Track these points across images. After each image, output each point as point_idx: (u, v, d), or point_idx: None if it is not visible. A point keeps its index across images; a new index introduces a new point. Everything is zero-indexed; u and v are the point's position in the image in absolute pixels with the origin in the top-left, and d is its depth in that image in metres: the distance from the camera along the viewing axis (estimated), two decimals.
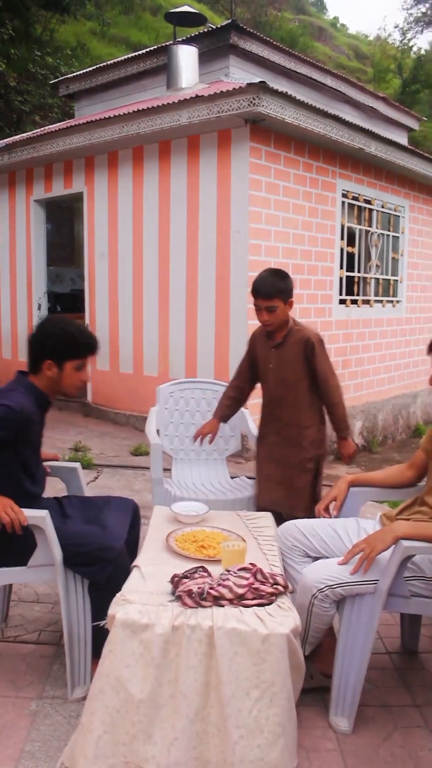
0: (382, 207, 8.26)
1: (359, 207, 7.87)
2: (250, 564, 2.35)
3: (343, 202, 7.51)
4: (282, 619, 2.14)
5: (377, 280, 8.36)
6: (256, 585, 2.25)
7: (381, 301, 8.45)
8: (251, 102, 5.66)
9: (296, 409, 3.39)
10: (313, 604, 2.39)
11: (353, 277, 7.91)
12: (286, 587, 2.29)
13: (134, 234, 7.20)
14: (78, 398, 8.21)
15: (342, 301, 7.67)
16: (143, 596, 2.22)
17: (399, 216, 8.66)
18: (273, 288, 3.20)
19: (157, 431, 3.80)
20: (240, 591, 2.21)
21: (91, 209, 7.65)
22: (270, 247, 6.49)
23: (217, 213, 6.42)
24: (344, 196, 7.52)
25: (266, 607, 2.20)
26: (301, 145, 6.77)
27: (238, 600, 2.20)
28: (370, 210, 8.07)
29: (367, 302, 8.15)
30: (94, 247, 7.69)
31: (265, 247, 6.43)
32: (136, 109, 6.49)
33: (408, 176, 8.53)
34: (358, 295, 8.00)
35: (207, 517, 2.97)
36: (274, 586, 2.26)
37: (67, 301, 9.96)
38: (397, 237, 8.68)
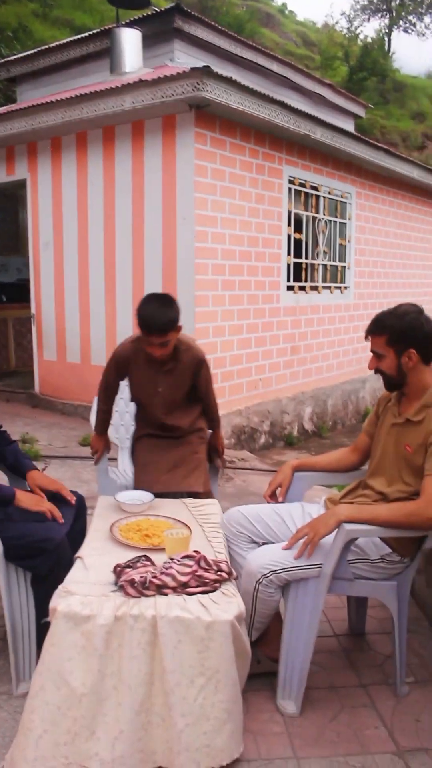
0: (329, 193, 8.30)
1: (306, 193, 7.89)
2: (194, 551, 2.33)
3: (290, 189, 7.52)
4: (226, 605, 2.13)
5: (325, 266, 8.40)
6: (200, 572, 2.23)
7: (329, 288, 8.50)
8: (195, 87, 5.60)
9: (184, 424, 3.35)
10: (257, 590, 2.39)
11: (301, 263, 7.94)
12: (230, 574, 2.28)
13: (79, 221, 7.08)
14: (25, 389, 8.07)
15: (290, 288, 7.69)
16: (85, 587, 2.18)
17: (346, 202, 8.72)
18: (167, 321, 2.94)
19: None
20: (183, 579, 2.19)
21: (34, 196, 7.49)
22: (217, 233, 6.46)
23: (163, 199, 6.36)
24: (291, 182, 7.53)
25: (210, 594, 2.18)
26: (247, 131, 6.74)
27: (182, 588, 2.18)
28: (317, 196, 8.10)
29: (315, 288, 8.20)
30: (38, 236, 7.54)
31: (211, 234, 6.39)
32: (79, 94, 6.36)
33: (355, 163, 8.58)
34: (306, 281, 8.04)
35: (152, 506, 2.94)
36: (218, 573, 2.25)
37: (12, 291, 9.75)
38: (344, 223, 8.74)
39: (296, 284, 7.81)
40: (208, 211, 6.33)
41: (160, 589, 2.15)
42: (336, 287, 8.67)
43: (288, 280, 7.64)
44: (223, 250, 6.56)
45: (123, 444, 3.82)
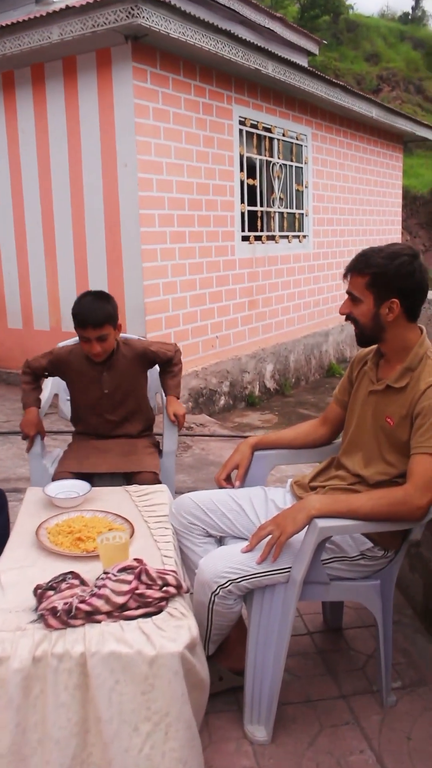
0: (284, 135, 7.75)
1: (259, 135, 7.33)
2: (135, 560, 1.90)
3: (241, 131, 6.95)
4: (174, 632, 1.71)
5: (281, 214, 7.90)
6: (141, 590, 1.80)
7: (287, 237, 8.01)
8: (129, 13, 4.98)
9: (133, 431, 3.04)
10: (213, 602, 1.97)
11: (256, 211, 7.42)
12: (179, 588, 1.85)
13: (11, 173, 6.44)
14: None
15: (245, 238, 7.19)
16: None
17: (302, 145, 8.18)
18: (102, 313, 2.76)
19: (56, 397, 3.30)
20: (119, 600, 1.75)
21: None
22: (162, 180, 5.90)
23: (101, 145, 5.76)
24: (242, 123, 6.96)
25: (154, 617, 1.76)
26: (192, 66, 6.14)
27: (119, 611, 1.75)
28: (271, 139, 7.54)
29: (272, 238, 7.70)
30: None
31: (156, 181, 5.83)
32: None
33: (310, 102, 8.02)
34: (261, 231, 7.53)
35: (89, 497, 2.49)
36: (164, 588, 1.82)
37: None
38: (301, 167, 8.21)
39: (252, 234, 7.30)
40: (151, 156, 5.76)
41: (91, 616, 1.72)
42: (294, 236, 8.18)
43: (243, 230, 7.13)
44: (170, 198, 6.01)
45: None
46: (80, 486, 2.53)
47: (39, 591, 1.79)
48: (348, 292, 2.07)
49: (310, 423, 2.48)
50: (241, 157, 7.01)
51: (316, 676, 2.39)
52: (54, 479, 2.78)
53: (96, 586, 1.79)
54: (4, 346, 6.97)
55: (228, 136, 6.75)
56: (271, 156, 7.59)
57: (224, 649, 2.23)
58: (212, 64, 6.28)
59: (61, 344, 3.40)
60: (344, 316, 2.10)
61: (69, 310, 6.56)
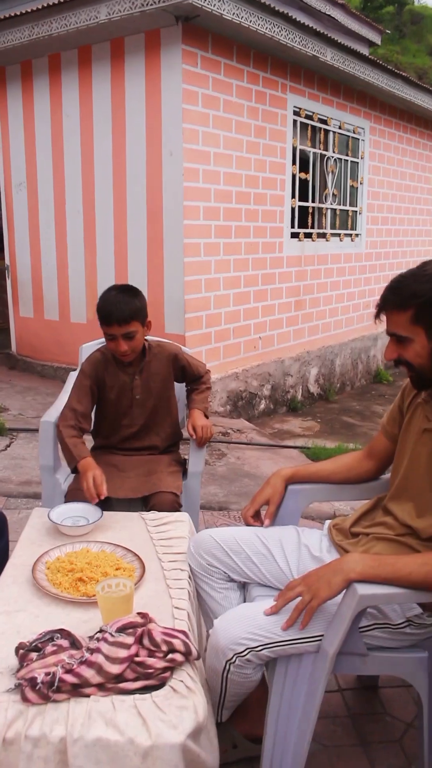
0: (340, 128, 7.36)
1: (313, 127, 6.95)
2: (139, 615, 1.61)
3: (295, 121, 6.59)
4: (176, 714, 1.41)
5: (334, 211, 7.51)
6: (141, 657, 1.51)
7: (338, 235, 7.62)
8: None
9: (158, 442, 2.77)
10: (228, 671, 1.67)
11: (307, 207, 7.06)
12: (188, 655, 1.56)
13: (54, 159, 6.21)
14: (1, 349, 7.33)
15: (294, 235, 6.83)
16: None
17: (358, 138, 7.77)
18: (129, 309, 2.53)
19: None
20: (114, 669, 1.47)
21: (4, 131, 6.60)
22: (209, 171, 5.59)
23: (147, 132, 5.48)
24: (296, 114, 6.60)
25: (154, 692, 1.47)
26: (245, 50, 5.81)
27: (113, 682, 1.47)
28: (326, 131, 7.16)
29: (322, 236, 7.33)
30: (10, 177, 6.67)
31: (203, 172, 5.53)
32: (46, 4, 5.42)
33: (369, 93, 7.60)
34: (312, 227, 7.16)
35: (100, 525, 2.21)
36: (168, 655, 1.53)
37: None
38: (356, 162, 7.80)
39: (301, 231, 6.94)
40: (198, 145, 5.45)
41: (79, 689, 1.44)
42: (346, 234, 7.78)
43: (292, 227, 6.77)
44: (216, 190, 5.70)
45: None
46: (91, 512, 2.26)
47: (21, 651, 1.52)
48: (390, 333, 1.69)
49: (353, 455, 2.15)
50: (294, 149, 6.65)
51: (345, 747, 2.07)
52: (67, 497, 2.51)
53: (88, 650, 1.50)
54: (40, 337, 6.77)
55: (281, 127, 6.40)
56: (326, 149, 7.21)
57: (240, 711, 1.93)
58: (267, 50, 5.93)
59: (86, 348, 3.14)
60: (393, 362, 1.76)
61: None
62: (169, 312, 5.54)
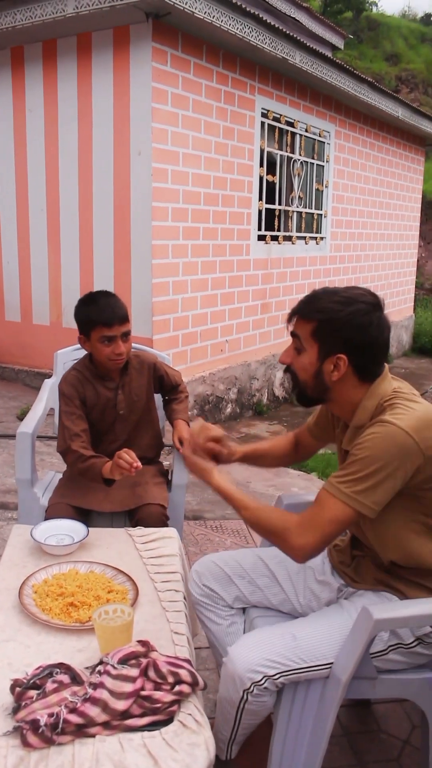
0: (306, 131, 7.34)
1: (281, 129, 6.91)
2: (140, 643, 1.52)
3: (263, 123, 6.54)
4: (188, 752, 1.33)
5: (300, 214, 7.49)
6: (147, 691, 1.42)
7: (303, 238, 7.61)
8: None
9: (144, 447, 2.65)
10: (245, 701, 1.58)
11: (273, 210, 7.02)
12: (194, 686, 1.47)
13: (17, 156, 6.03)
14: None
15: (261, 237, 6.78)
16: None
17: (324, 142, 7.76)
18: (124, 307, 2.51)
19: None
20: (120, 705, 1.37)
21: None
22: (178, 172, 5.50)
23: (114, 130, 5.35)
24: (264, 116, 6.55)
25: (163, 728, 1.37)
26: (215, 50, 5.73)
27: (119, 719, 1.37)
28: (293, 134, 7.13)
29: (288, 239, 7.30)
30: None
31: (172, 173, 5.43)
32: None
33: (335, 97, 7.60)
34: (278, 230, 7.13)
35: (86, 543, 2.10)
36: (176, 687, 1.44)
37: None
38: (322, 166, 7.80)
39: (268, 233, 6.89)
40: (167, 145, 5.35)
41: (84, 729, 1.34)
42: (311, 237, 7.77)
43: (259, 229, 6.73)
44: (185, 191, 5.61)
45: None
46: (75, 529, 2.15)
47: (17, 689, 1.41)
48: (292, 334, 1.68)
49: (286, 439, 2.10)
50: (262, 151, 6.61)
51: None
52: (47, 512, 2.39)
53: (90, 685, 1.40)
54: (0, 340, 6.57)
55: (249, 129, 6.34)
56: (293, 152, 7.18)
57: (243, 748, 1.84)
58: (237, 51, 5.87)
59: (61, 354, 3.01)
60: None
61: (71, 304, 6.07)
62: (137, 314, 5.41)
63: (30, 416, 2.68)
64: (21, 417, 5.41)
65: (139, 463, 2.17)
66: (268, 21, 5.70)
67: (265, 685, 1.54)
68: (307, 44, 6.30)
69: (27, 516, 2.51)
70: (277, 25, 5.84)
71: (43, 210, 5.95)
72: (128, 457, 2.16)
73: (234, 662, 1.56)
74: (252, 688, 1.54)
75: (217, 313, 6.24)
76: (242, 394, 6.69)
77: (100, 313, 2.41)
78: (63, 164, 5.71)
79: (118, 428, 2.57)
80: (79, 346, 2.99)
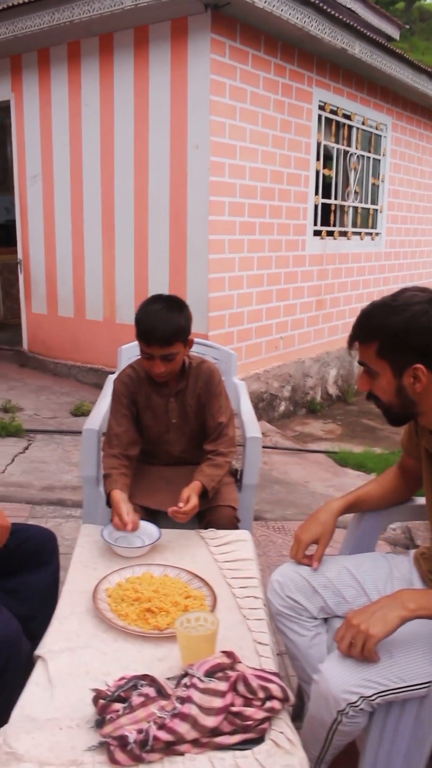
0: (363, 124, 7.17)
1: (338, 122, 6.76)
2: (224, 654, 1.43)
3: (320, 116, 6.40)
4: None
5: (355, 209, 7.33)
6: (238, 707, 1.33)
7: (359, 234, 7.44)
8: None
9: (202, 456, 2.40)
10: (339, 722, 1.47)
11: (329, 205, 6.87)
12: (285, 701, 1.38)
13: (72, 150, 6.01)
14: (12, 346, 7.13)
15: (317, 233, 6.65)
16: (45, 738, 1.28)
17: (381, 135, 7.58)
18: (172, 329, 2.18)
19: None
20: (210, 722, 1.29)
21: (20, 121, 6.40)
22: (235, 166, 5.40)
23: (171, 123, 5.28)
24: (321, 108, 6.41)
25: (254, 747, 1.28)
26: (273, 42, 5.61)
27: (208, 736, 1.28)
28: (350, 127, 6.97)
29: (344, 234, 7.14)
30: (25, 168, 6.47)
31: (229, 167, 5.34)
32: None
33: (392, 89, 7.42)
34: (334, 225, 6.99)
35: (157, 546, 2.03)
36: (266, 703, 1.34)
37: (0, 233, 8.70)
38: (378, 160, 7.62)
39: (324, 229, 6.75)
40: (225, 138, 5.26)
41: (172, 747, 1.25)
42: (366, 233, 7.60)
43: (315, 224, 6.59)
44: (242, 186, 5.52)
45: None
46: (146, 530, 2.07)
47: (100, 701, 1.33)
48: (360, 363, 1.57)
49: (392, 473, 1.94)
50: (319, 144, 6.47)
51: None
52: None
53: (178, 699, 1.32)
54: (53, 334, 6.57)
55: (306, 122, 6.21)
56: (349, 145, 7.02)
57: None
58: (295, 41, 5.74)
59: (125, 350, 2.93)
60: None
61: (125, 299, 6.06)
62: (192, 310, 5.32)
63: (95, 413, 2.62)
64: (75, 413, 5.39)
65: (134, 525, 2.06)
66: (328, 10, 5.56)
67: (361, 706, 1.43)
68: (368, 34, 6.14)
69: (92, 515, 2.45)
70: (336, 15, 5.70)
71: (98, 204, 5.92)
72: (124, 518, 2.06)
73: (328, 682, 1.45)
74: (347, 709, 1.43)
75: (273, 309, 6.14)
76: (296, 392, 6.57)
77: (142, 327, 2.20)
78: (118, 158, 5.67)
79: (173, 437, 2.42)
80: None
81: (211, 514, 2.26)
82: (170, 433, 2.41)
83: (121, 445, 2.32)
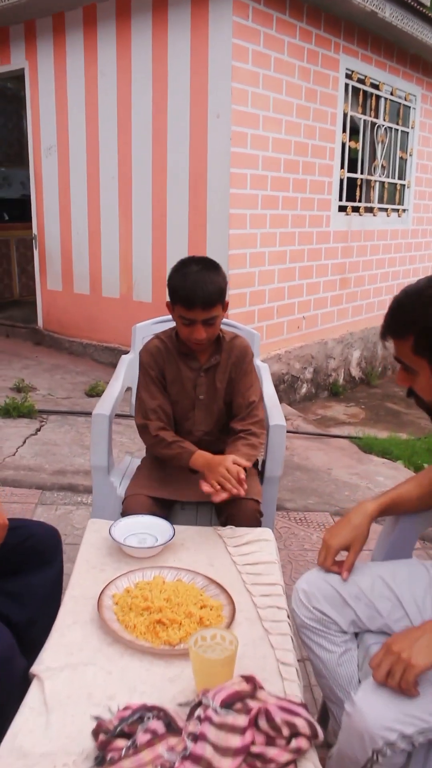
0: (391, 94, 6.86)
1: (365, 92, 6.46)
2: (244, 679, 1.24)
3: (346, 85, 6.11)
4: None
5: (382, 184, 7.04)
6: (259, 746, 1.15)
7: (385, 210, 7.16)
8: None
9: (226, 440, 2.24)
10: (374, 762, 1.29)
11: (355, 179, 6.59)
12: (313, 738, 1.19)
13: (88, 121, 5.79)
14: (27, 323, 6.97)
15: (342, 209, 6.38)
16: None
17: (410, 107, 7.26)
18: (214, 289, 2.04)
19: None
20: (227, 765, 1.10)
21: (34, 90, 6.17)
22: (257, 136, 5.15)
23: (191, 92, 5.04)
24: (348, 77, 6.11)
25: None
26: (298, 4, 5.32)
27: None
28: (378, 97, 6.66)
29: (369, 210, 6.87)
30: (39, 139, 6.26)
31: (251, 137, 5.09)
32: None
33: (423, 57, 7.08)
34: (360, 201, 6.71)
35: (172, 545, 1.85)
36: (292, 742, 1.16)
37: (17, 208, 8.53)
38: (407, 132, 7.30)
39: (349, 204, 6.48)
40: (247, 107, 5.01)
41: None
42: (393, 209, 7.31)
43: (340, 200, 6.32)
44: (264, 158, 5.27)
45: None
46: (159, 527, 1.89)
47: (101, 737, 1.15)
48: (396, 359, 1.38)
49: (426, 474, 1.74)
50: (345, 115, 6.18)
51: None
52: (125, 504, 2.12)
53: (190, 735, 1.14)
54: (68, 312, 6.39)
55: (332, 91, 5.92)
56: (377, 117, 6.72)
57: None
58: (322, 4, 5.45)
59: (140, 328, 2.74)
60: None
61: (142, 276, 5.80)
62: None
63: (106, 396, 2.43)
64: (90, 393, 5.23)
65: (243, 490, 1.89)
66: None
67: (400, 745, 1.24)
68: None
69: (102, 507, 2.27)
70: None
71: (114, 177, 5.70)
72: (234, 473, 1.89)
73: (364, 716, 1.26)
74: (384, 748, 1.24)
75: (295, 287, 5.90)
76: (318, 373, 6.35)
77: (183, 292, 2.05)
78: (136, 129, 5.44)
79: (198, 416, 2.24)
80: (159, 319, 2.74)
81: (232, 508, 2.07)
82: (196, 410, 2.24)
83: (162, 420, 2.17)
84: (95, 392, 5.21)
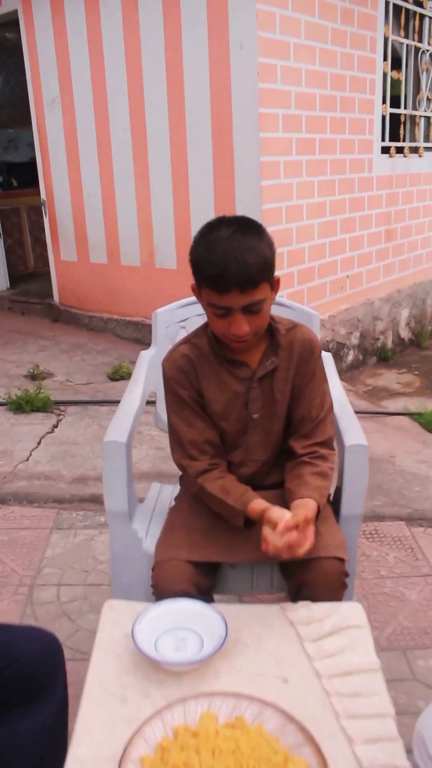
0: None
1: (407, 11, 5.62)
2: None
3: (386, 3, 5.29)
4: None
5: (428, 119, 6.23)
6: None
7: (431, 150, 6.36)
8: None
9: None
10: None
11: (398, 115, 5.81)
12: None
13: (92, 66, 5.08)
14: (43, 299, 6.40)
15: (385, 150, 5.62)
16: None
17: None
18: (257, 262, 1.41)
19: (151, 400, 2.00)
20: None
21: (30, 34, 5.47)
22: (288, 68, 4.41)
23: (209, 19, 4.30)
24: None
25: None
26: None
27: None
28: (422, 16, 5.81)
29: (415, 150, 6.08)
30: (41, 92, 5.58)
31: (281, 69, 4.35)
32: None
33: None
34: (404, 141, 5.93)
35: (225, 652, 1.26)
36: None
37: (25, 172, 7.87)
38: None
39: (393, 145, 5.71)
40: (276, 33, 4.26)
41: None
42: None
43: (383, 140, 5.56)
44: (297, 94, 4.53)
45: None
46: (204, 619, 1.30)
47: None
48: None
49: None
50: (386, 40, 5.37)
51: None
52: (156, 574, 1.49)
53: None
54: (85, 284, 5.79)
55: (371, 10, 5.11)
56: (420, 41, 5.88)
57: None
58: None
59: (160, 314, 2.14)
60: None
61: (164, 240, 5.07)
62: None
63: (121, 414, 1.80)
64: (113, 376, 4.66)
65: (311, 544, 1.32)
66: None
67: None
68: None
69: (123, 571, 1.68)
70: None
71: (126, 130, 5.01)
72: (297, 529, 1.34)
73: None
74: None
75: (337, 243, 5.20)
76: (365, 338, 5.68)
77: (210, 266, 1.42)
78: (147, 70, 4.73)
79: (253, 441, 1.62)
80: (185, 301, 2.13)
81: (306, 571, 1.47)
82: (249, 435, 1.62)
83: (207, 453, 1.57)
84: (119, 375, 4.64)
